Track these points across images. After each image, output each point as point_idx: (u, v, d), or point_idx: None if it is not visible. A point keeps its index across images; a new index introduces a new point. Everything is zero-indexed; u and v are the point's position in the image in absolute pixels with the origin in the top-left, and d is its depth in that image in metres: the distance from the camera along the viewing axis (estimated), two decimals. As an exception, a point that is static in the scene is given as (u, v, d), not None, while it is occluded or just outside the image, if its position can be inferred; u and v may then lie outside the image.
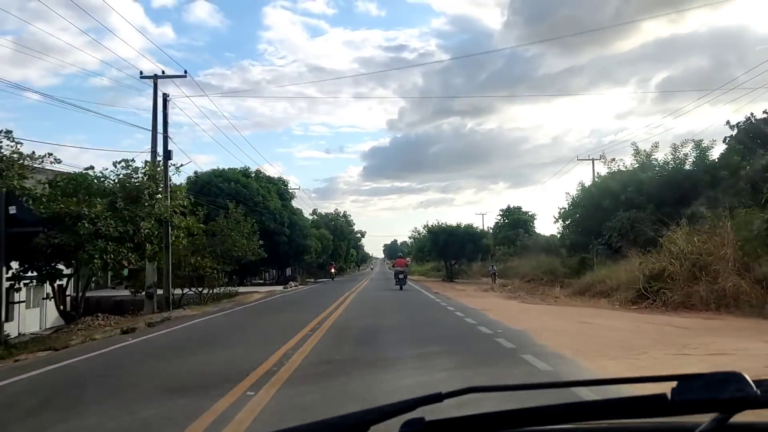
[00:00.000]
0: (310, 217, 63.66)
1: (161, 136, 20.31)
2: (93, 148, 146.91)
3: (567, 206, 36.36)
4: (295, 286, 42.28)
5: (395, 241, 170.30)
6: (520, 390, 1.17)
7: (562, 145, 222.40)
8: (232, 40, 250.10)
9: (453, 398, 1.08)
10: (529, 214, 64.06)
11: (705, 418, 1.12)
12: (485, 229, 64.33)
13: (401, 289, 27.63)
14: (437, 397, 1.07)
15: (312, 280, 56.87)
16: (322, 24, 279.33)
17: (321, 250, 58.08)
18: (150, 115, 20.25)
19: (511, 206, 65.79)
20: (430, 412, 1.07)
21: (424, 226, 55.06)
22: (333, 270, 59.73)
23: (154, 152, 20.12)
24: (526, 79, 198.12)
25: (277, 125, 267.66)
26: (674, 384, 1.04)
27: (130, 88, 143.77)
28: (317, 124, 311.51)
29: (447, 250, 52.83)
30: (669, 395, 1.01)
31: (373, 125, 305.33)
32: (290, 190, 51.69)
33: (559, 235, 39.85)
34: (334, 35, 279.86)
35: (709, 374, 1.04)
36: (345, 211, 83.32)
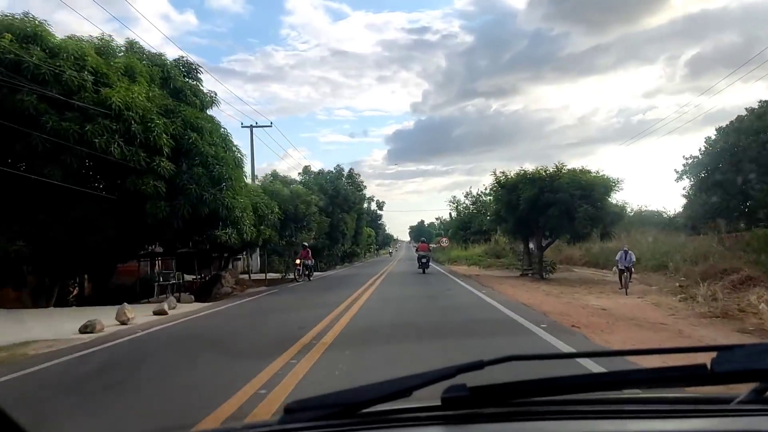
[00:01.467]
0: (299, 177, 39.41)
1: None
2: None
3: (701, 153, 26.90)
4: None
5: (422, 221, 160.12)
6: (559, 359, 1.20)
7: (589, 125, 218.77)
8: (255, 25, 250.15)
9: (494, 365, 1.10)
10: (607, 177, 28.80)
11: (744, 389, 1.13)
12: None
13: (424, 272, 27.92)
14: (478, 365, 1.10)
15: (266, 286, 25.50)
16: (344, 7, 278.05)
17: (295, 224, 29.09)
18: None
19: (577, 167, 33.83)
20: (471, 380, 1.09)
21: (493, 184, 27.19)
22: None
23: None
24: (551, 59, 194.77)
25: (301, 110, 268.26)
26: (714, 354, 1.05)
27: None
28: (341, 108, 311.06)
29: (532, 220, 25.23)
30: (709, 365, 1.02)
31: (397, 108, 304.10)
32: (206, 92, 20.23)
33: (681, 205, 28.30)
34: (357, 18, 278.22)
35: (749, 345, 1.05)
36: (351, 169, 50.34)
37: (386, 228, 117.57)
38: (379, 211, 78.68)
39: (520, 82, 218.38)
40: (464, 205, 57.62)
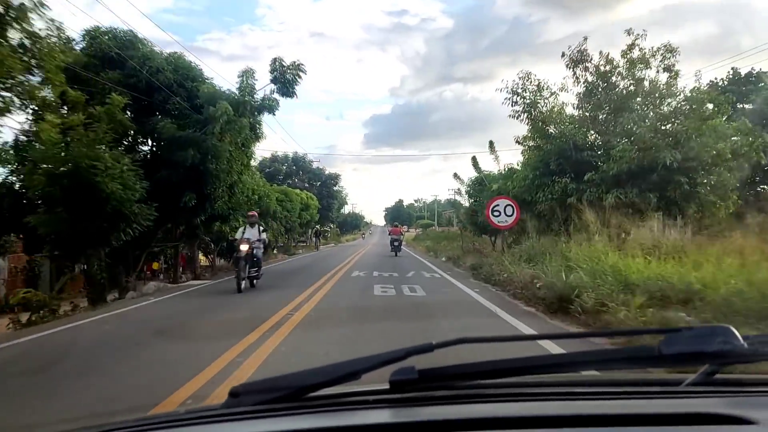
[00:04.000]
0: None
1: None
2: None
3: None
4: None
5: (400, 201, 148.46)
6: (509, 341, 1.19)
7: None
8: (231, 3, 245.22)
9: (443, 348, 1.09)
10: None
11: (693, 372, 1.14)
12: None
13: (396, 255, 29.23)
14: (428, 348, 1.08)
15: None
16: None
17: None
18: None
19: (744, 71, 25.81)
20: (421, 362, 1.08)
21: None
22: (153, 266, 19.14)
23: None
24: (529, 45, 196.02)
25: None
26: (663, 337, 1.05)
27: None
28: (318, 91, 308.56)
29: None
30: (657, 348, 1.02)
31: (375, 92, 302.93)
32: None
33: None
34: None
35: (697, 327, 1.06)
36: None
37: (350, 204, 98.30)
38: (328, 170, 60.05)
39: (498, 67, 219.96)
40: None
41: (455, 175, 31.76)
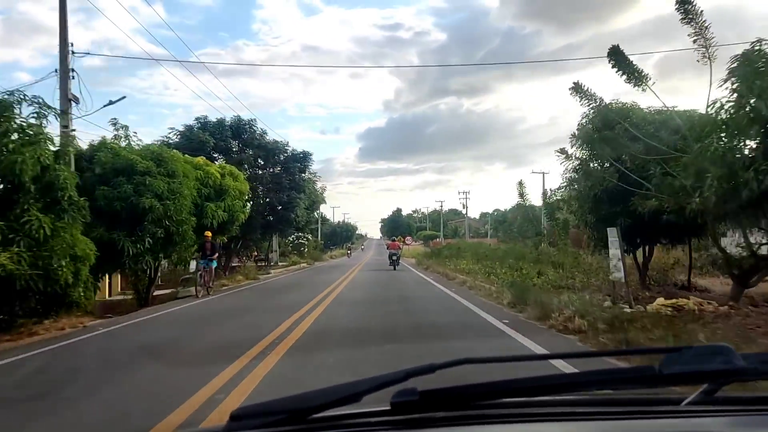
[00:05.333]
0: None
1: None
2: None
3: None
4: None
5: (399, 210, 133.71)
6: (511, 362, 1.19)
7: (561, 125, 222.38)
8: (226, 19, 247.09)
9: (445, 369, 1.08)
10: None
11: (694, 391, 1.14)
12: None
13: (395, 269, 28.97)
14: (429, 369, 1.08)
15: None
16: (316, 2, 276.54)
17: None
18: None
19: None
20: (422, 383, 1.07)
21: None
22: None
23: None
24: (522, 58, 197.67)
25: (272, 106, 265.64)
26: (663, 357, 1.05)
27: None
28: (312, 105, 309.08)
29: None
30: (657, 367, 1.02)
31: (369, 106, 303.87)
32: None
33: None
34: (329, 14, 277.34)
35: (697, 347, 1.06)
36: None
37: (335, 212, 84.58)
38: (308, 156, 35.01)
39: (492, 80, 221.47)
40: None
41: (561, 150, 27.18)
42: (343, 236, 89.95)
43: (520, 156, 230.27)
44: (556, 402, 1.21)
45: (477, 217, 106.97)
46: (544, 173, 48.70)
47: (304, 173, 34.50)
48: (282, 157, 33.16)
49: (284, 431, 1.05)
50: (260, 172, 32.58)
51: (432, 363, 1.08)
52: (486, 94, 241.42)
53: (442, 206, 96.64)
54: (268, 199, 32.35)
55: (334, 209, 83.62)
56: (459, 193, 65.18)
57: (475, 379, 1.11)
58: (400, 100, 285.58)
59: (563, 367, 4.95)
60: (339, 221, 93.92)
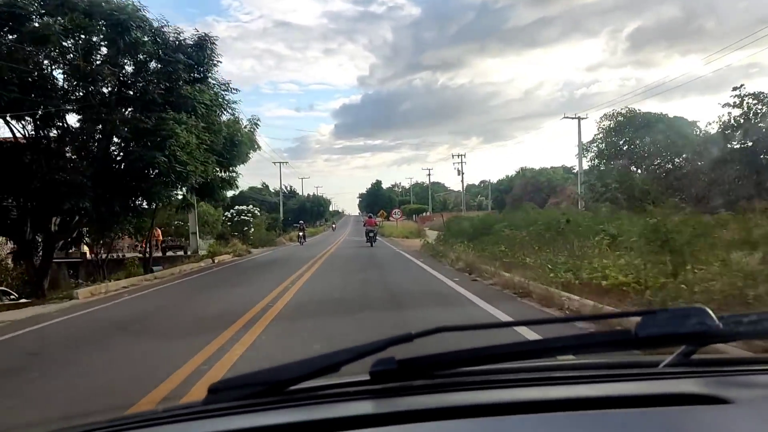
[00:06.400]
0: None
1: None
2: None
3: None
4: None
5: (378, 184, 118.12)
6: (487, 329, 1.19)
7: (534, 99, 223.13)
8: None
9: (423, 338, 1.08)
10: None
11: (671, 353, 1.15)
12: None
13: (371, 246, 29.26)
14: (407, 338, 1.08)
15: None
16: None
17: None
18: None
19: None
20: (401, 352, 1.07)
21: None
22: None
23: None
24: (495, 31, 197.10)
25: (245, 84, 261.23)
26: (639, 319, 1.06)
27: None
28: (286, 82, 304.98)
29: None
30: (633, 330, 1.03)
31: (344, 82, 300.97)
32: None
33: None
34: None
35: (672, 309, 1.07)
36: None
37: (310, 185, 74.49)
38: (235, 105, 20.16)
39: (467, 54, 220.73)
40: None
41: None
42: (314, 212, 75.99)
43: (495, 131, 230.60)
44: (533, 367, 1.21)
45: (460, 190, 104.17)
46: (580, 117, 37.94)
47: (202, 79, 17.98)
48: (147, 42, 16.02)
49: (263, 402, 1.05)
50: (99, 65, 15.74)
51: (410, 332, 1.08)
52: (460, 69, 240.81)
53: (429, 175, 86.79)
54: (123, 129, 16.16)
55: (303, 180, 72.34)
56: (453, 156, 57.98)
57: (455, 347, 1.11)
58: (375, 75, 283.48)
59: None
60: (309, 194, 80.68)
